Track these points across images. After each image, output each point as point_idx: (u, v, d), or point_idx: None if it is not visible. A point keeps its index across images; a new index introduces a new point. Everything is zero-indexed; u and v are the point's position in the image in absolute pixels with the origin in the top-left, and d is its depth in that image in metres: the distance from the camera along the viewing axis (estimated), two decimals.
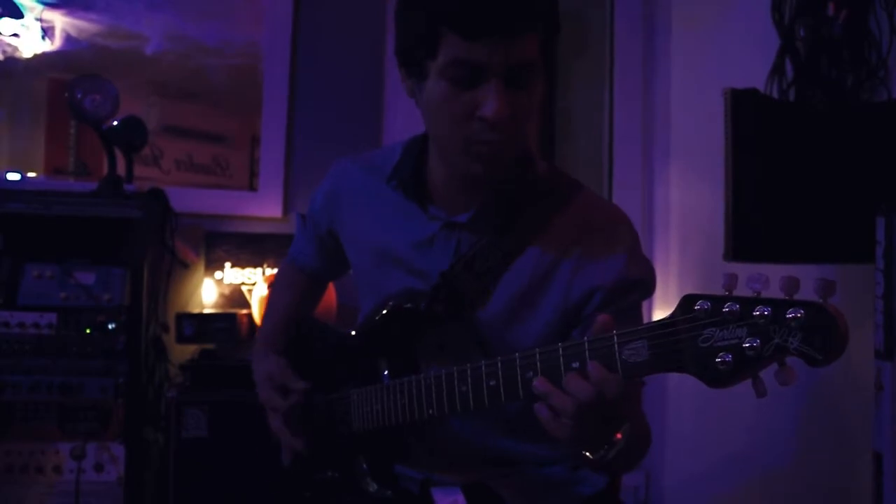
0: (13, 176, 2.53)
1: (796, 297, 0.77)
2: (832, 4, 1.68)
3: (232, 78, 2.93)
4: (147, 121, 2.58)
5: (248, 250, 2.75)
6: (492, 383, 1.04)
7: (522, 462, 1.34)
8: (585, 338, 0.94)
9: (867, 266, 1.40)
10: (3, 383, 2.17)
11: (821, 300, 0.75)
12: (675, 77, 2.63)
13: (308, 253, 1.58)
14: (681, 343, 0.84)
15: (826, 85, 1.70)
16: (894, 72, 1.64)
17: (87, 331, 2.23)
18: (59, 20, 2.78)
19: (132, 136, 2.52)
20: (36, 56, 2.77)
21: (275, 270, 2.66)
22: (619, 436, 1.01)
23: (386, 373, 1.27)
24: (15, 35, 2.73)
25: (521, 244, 1.24)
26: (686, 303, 0.84)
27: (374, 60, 2.91)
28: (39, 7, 2.76)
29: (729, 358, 0.80)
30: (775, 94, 1.76)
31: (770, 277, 0.79)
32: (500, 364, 1.03)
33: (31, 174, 2.67)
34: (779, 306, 0.76)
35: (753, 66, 1.82)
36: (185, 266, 2.74)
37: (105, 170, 2.45)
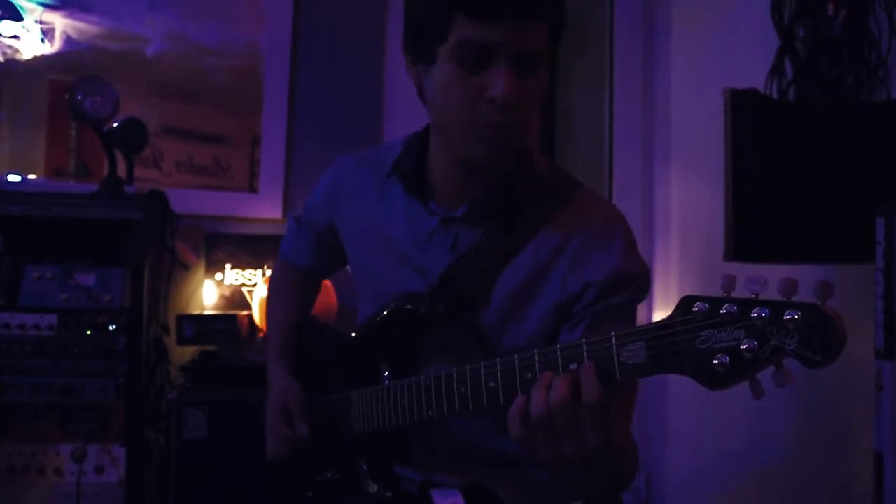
0: (14, 177, 2.53)
1: (794, 298, 0.76)
2: (832, 4, 1.68)
3: (232, 79, 2.93)
4: (147, 122, 2.58)
5: (249, 251, 2.75)
6: (491, 384, 1.04)
7: (522, 462, 1.34)
8: (583, 339, 0.94)
9: (867, 266, 1.40)
10: (3, 384, 2.17)
11: (818, 301, 0.75)
12: (675, 77, 2.63)
13: (303, 251, 1.58)
14: (679, 345, 0.84)
15: (826, 85, 1.70)
16: (894, 72, 1.64)
17: (88, 332, 2.23)
18: (59, 22, 2.78)
19: (132, 138, 2.52)
20: (36, 58, 2.77)
21: None
22: None
23: (386, 374, 1.28)
24: (15, 37, 2.73)
25: (519, 242, 1.24)
26: (684, 304, 0.84)
27: (374, 60, 2.91)
28: (39, 9, 2.76)
29: (726, 360, 0.80)
30: (775, 94, 1.76)
31: (768, 279, 0.79)
32: (498, 365, 1.03)
33: (32, 176, 2.66)
34: (776, 308, 0.76)
35: (753, 66, 1.83)
36: (186, 267, 2.74)
37: (105, 171, 2.45)
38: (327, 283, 2.54)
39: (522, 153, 1.27)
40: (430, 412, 1.14)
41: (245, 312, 2.61)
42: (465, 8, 1.09)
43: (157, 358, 2.47)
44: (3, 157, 2.78)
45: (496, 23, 1.08)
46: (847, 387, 1.70)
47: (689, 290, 2.43)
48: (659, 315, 2.60)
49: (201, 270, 2.76)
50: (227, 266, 2.73)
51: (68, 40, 2.78)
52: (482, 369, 1.05)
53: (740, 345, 0.78)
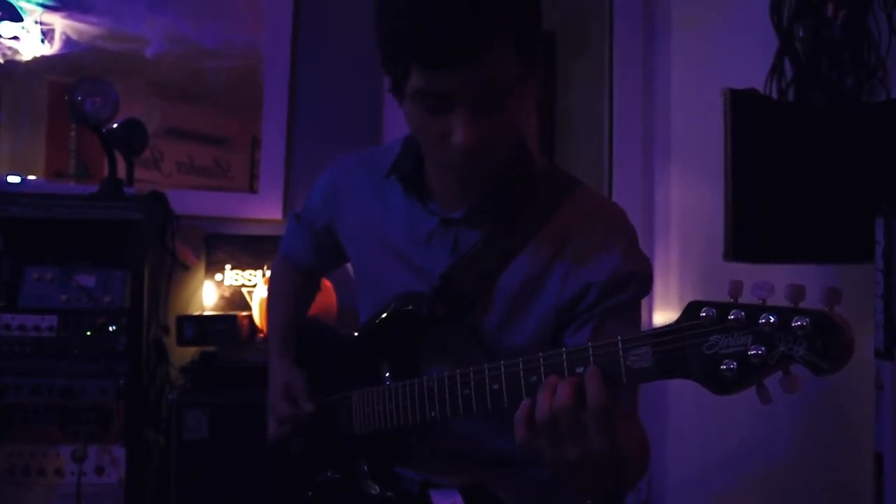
0: (14, 179, 2.53)
1: (802, 304, 0.76)
2: (831, 5, 1.68)
3: (232, 79, 2.93)
4: (147, 123, 2.58)
5: (249, 252, 2.75)
6: (495, 387, 1.04)
7: (522, 462, 1.34)
8: (589, 343, 0.94)
9: (867, 266, 1.41)
10: (4, 385, 2.17)
11: (826, 308, 0.75)
12: (674, 77, 2.63)
13: (303, 249, 1.59)
14: (685, 350, 0.84)
15: (825, 85, 1.70)
16: (893, 72, 1.64)
17: (88, 333, 2.23)
18: (59, 23, 2.77)
19: (132, 139, 2.52)
20: (36, 59, 2.76)
21: None
22: None
23: (387, 375, 1.28)
24: (15, 38, 2.72)
25: (519, 242, 1.24)
26: (691, 309, 0.84)
27: (374, 60, 2.89)
28: (39, 10, 2.75)
29: (734, 365, 0.80)
30: (774, 95, 1.76)
31: (775, 285, 0.79)
32: (503, 368, 1.03)
33: (32, 177, 2.66)
34: (784, 314, 0.76)
35: (753, 67, 1.83)
36: (186, 268, 2.74)
37: (105, 172, 2.45)
38: (327, 283, 2.55)
39: (519, 155, 1.28)
40: (432, 413, 1.14)
41: (245, 313, 2.61)
42: (416, 58, 1.05)
43: (158, 359, 2.47)
44: (2, 159, 2.78)
45: (444, 70, 1.03)
46: (847, 387, 1.70)
47: (689, 290, 2.44)
48: (659, 315, 2.60)
49: (201, 271, 2.76)
50: (227, 267, 2.73)
51: (68, 41, 2.77)
52: (486, 371, 1.05)
53: (748, 350, 0.79)
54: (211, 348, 2.47)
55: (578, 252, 1.22)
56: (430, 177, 1.29)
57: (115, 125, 2.46)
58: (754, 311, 0.79)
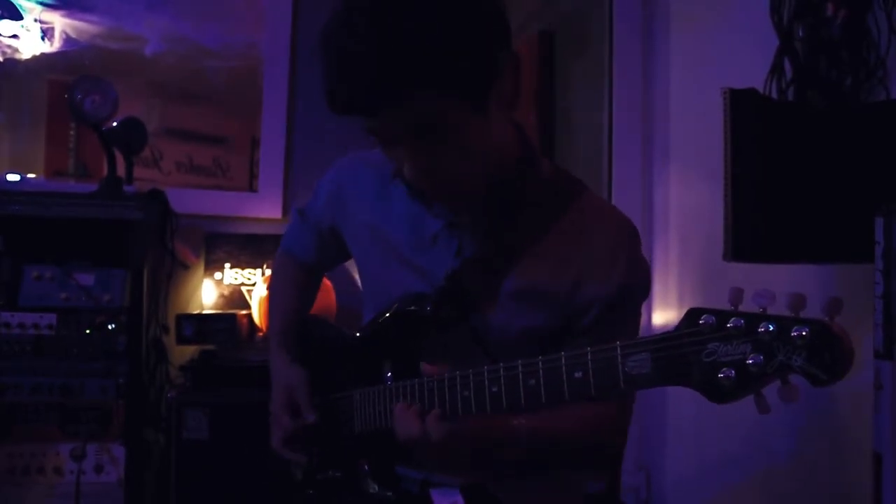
0: (13, 177, 2.53)
1: (802, 314, 0.76)
2: (831, 5, 1.68)
3: (232, 79, 2.93)
4: (147, 122, 2.58)
5: (248, 251, 2.75)
6: (494, 389, 1.04)
7: (522, 463, 1.34)
8: (588, 347, 0.94)
9: (867, 266, 1.40)
10: (3, 384, 2.18)
11: (826, 318, 0.75)
12: (674, 77, 2.63)
13: (307, 246, 1.58)
14: (684, 356, 0.84)
15: (825, 85, 1.70)
16: (893, 72, 1.64)
17: (88, 332, 2.23)
18: (59, 21, 2.77)
19: (132, 138, 2.52)
20: (35, 57, 2.76)
21: None
22: None
23: (389, 375, 1.28)
24: (14, 36, 2.72)
25: (525, 245, 1.25)
26: (691, 316, 0.84)
27: None
28: (39, 8, 2.75)
29: (732, 373, 0.80)
30: (774, 95, 1.76)
31: (777, 293, 0.78)
32: (502, 370, 1.03)
33: (31, 176, 2.66)
34: (784, 323, 0.76)
35: (752, 67, 1.82)
36: (185, 267, 2.74)
37: (105, 171, 2.45)
38: (327, 283, 2.55)
39: (524, 158, 1.27)
40: None
41: (245, 312, 2.61)
42: (333, 111, 1.09)
43: (157, 358, 2.48)
44: (2, 157, 2.78)
45: (372, 116, 1.07)
46: (846, 386, 1.70)
47: (689, 290, 2.44)
48: (658, 316, 2.60)
49: (201, 270, 2.76)
50: (227, 266, 2.73)
51: (68, 40, 2.77)
52: (486, 374, 1.05)
53: (746, 359, 0.78)
54: (210, 347, 2.47)
55: (584, 262, 1.23)
56: None
57: (114, 124, 2.45)
58: (754, 319, 0.78)
